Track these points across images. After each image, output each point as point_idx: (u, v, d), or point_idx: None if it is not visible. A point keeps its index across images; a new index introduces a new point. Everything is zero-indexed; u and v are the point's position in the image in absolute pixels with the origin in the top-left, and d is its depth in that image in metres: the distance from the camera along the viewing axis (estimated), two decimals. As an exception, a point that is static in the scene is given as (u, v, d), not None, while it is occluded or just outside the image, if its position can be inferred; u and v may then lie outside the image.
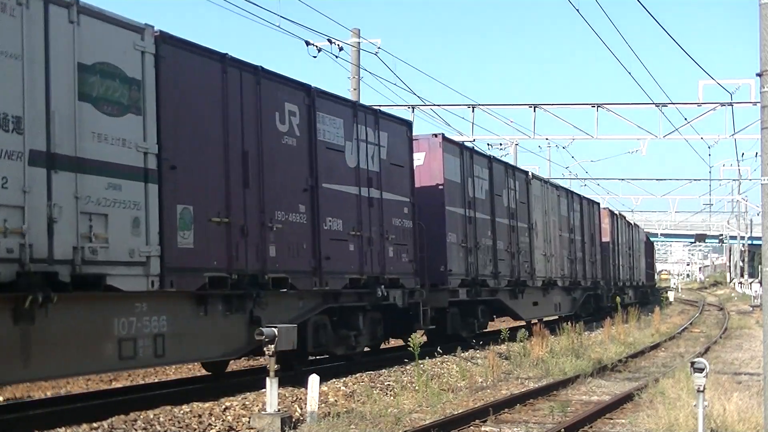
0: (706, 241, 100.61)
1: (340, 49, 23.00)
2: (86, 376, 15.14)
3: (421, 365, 14.62)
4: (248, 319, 13.53)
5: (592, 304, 36.53)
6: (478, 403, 13.54)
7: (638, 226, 53.83)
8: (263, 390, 12.04)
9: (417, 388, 14.11)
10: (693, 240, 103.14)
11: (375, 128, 17.46)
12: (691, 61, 27.23)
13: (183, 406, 12.06)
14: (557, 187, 31.97)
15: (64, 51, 10.48)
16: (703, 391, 9.74)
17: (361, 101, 21.87)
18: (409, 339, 14.46)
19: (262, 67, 14.19)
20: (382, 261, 17.33)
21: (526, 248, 26.38)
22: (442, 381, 15.88)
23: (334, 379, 15.13)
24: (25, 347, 9.97)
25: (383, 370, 16.77)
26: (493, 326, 26.27)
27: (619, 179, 57.84)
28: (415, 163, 19.64)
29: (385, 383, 15.51)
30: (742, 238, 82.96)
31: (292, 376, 14.37)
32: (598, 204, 39.38)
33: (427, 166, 20.46)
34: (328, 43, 22.49)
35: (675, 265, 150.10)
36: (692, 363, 10.06)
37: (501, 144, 37.99)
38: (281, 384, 12.12)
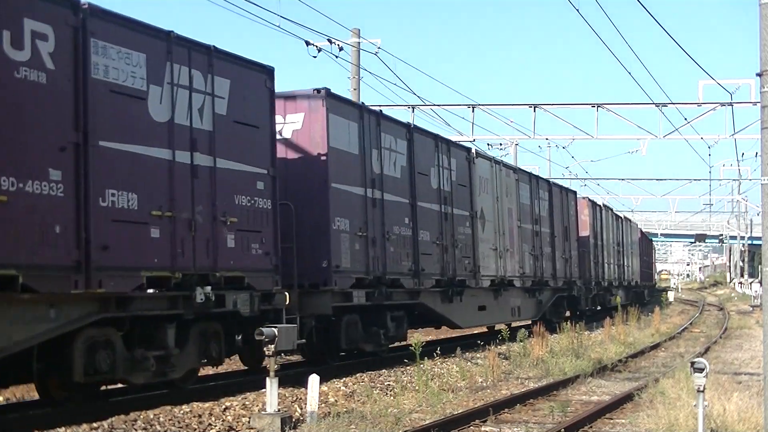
0: (706, 241, 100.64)
1: (340, 49, 23.00)
2: None
3: (422, 365, 14.63)
4: None
5: (566, 306, 32.53)
6: (478, 403, 13.56)
7: (630, 221, 50.64)
8: (263, 390, 12.05)
9: (417, 388, 14.12)
10: (693, 240, 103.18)
11: (206, 71, 13.11)
12: (691, 61, 27.18)
13: (183, 406, 12.08)
14: (515, 169, 27.30)
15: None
16: (703, 391, 9.75)
17: (362, 101, 21.56)
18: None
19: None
20: (212, 252, 12.97)
21: (466, 241, 21.89)
22: (442, 381, 15.90)
23: (334, 379, 15.16)
24: None
25: (383, 370, 16.81)
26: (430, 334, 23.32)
27: (619, 179, 57.75)
28: (291, 126, 15.90)
29: (385, 383, 15.56)
30: (742, 238, 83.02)
31: (292, 376, 14.33)
32: (575, 192, 34.74)
33: (306, 130, 15.97)
34: (328, 43, 22.47)
35: (675, 265, 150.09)
36: (692, 363, 10.07)
37: (501, 144, 37.94)
38: (281, 384, 12.14)
